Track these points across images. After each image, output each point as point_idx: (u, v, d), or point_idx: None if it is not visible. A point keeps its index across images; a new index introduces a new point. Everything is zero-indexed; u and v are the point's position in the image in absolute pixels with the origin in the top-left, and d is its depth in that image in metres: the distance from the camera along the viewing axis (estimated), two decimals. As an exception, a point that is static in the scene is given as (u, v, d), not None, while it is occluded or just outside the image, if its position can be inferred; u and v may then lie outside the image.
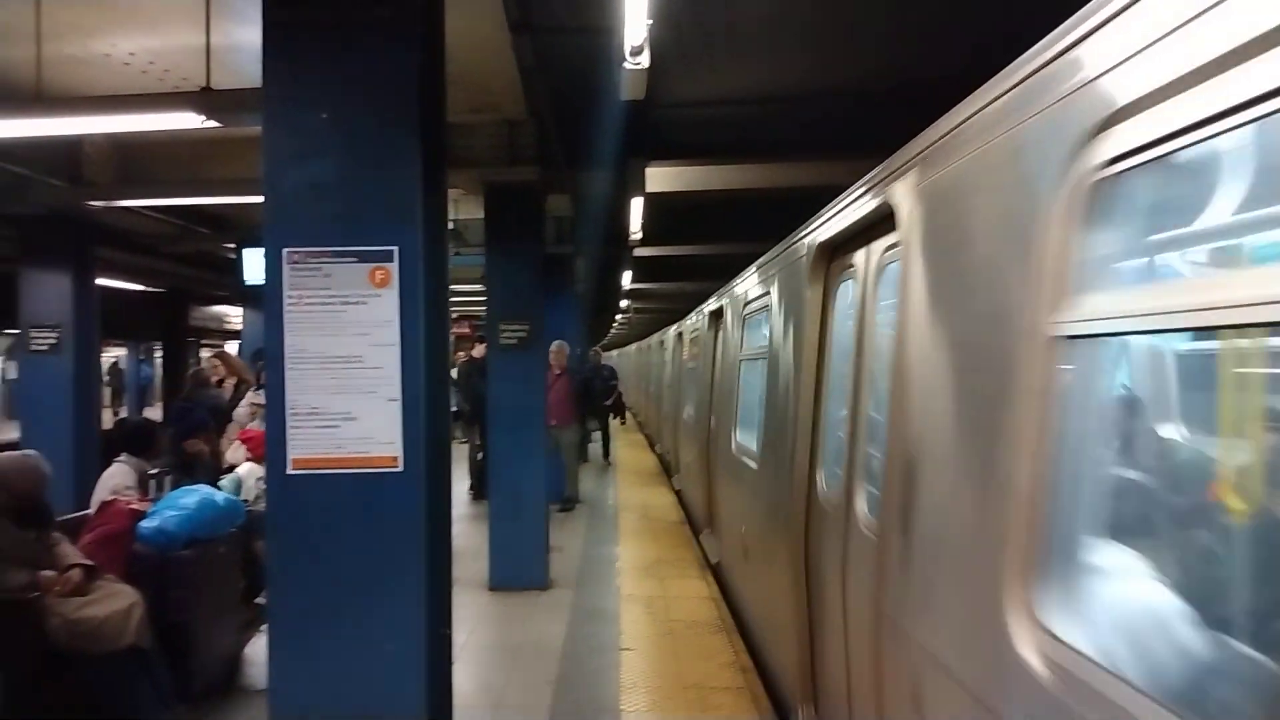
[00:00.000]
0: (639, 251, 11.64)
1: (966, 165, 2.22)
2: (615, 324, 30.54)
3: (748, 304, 6.14)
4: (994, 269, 2.03)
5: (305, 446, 2.90)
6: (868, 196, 3.12)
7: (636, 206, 8.24)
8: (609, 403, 17.02)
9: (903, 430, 2.46)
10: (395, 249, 2.89)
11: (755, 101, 7.32)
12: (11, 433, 10.42)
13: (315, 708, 2.90)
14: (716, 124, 7.61)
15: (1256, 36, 1.24)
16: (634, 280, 14.92)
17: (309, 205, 2.92)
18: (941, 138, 2.41)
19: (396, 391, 2.89)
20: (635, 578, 7.56)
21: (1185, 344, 1.96)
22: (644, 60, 3.81)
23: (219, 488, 5.54)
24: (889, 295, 2.92)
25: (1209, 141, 1.38)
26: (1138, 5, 1.56)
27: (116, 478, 5.13)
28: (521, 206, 7.39)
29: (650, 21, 3.70)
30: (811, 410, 3.87)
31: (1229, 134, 1.34)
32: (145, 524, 4.64)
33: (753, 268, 6.09)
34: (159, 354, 27.57)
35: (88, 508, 5.24)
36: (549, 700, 4.87)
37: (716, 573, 7.23)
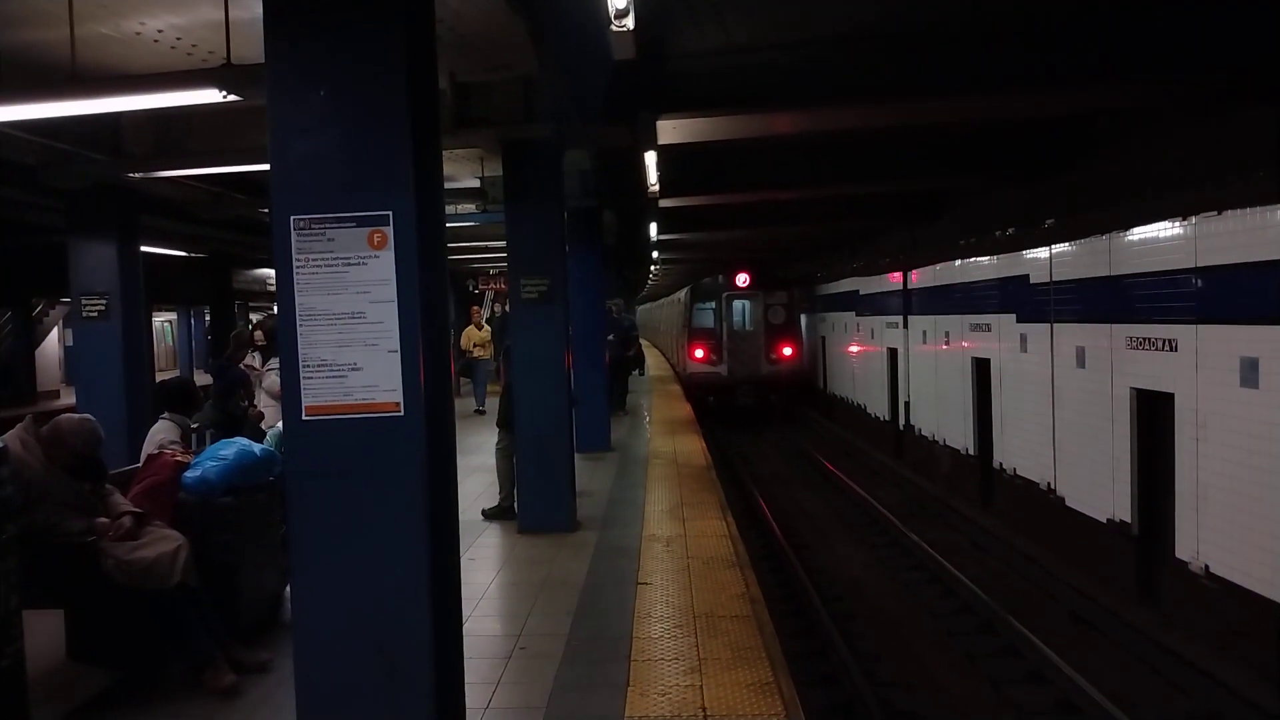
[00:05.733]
0: (664, 203, 11.74)
1: None
2: (651, 275, 30.68)
3: None
4: None
5: (317, 395, 3.19)
6: None
7: (651, 159, 8.38)
8: (631, 354, 17.30)
9: None
10: (390, 213, 3.14)
11: (764, 49, 7.38)
12: (72, 397, 11.00)
13: (333, 631, 3.22)
14: (727, 74, 7.65)
15: None
16: (661, 231, 15.04)
17: (312, 175, 3.17)
18: None
19: (396, 344, 3.16)
20: (658, 519, 7.87)
21: None
22: (629, 23, 3.97)
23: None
24: None
25: None
26: None
27: (161, 433, 5.52)
28: (538, 163, 7.54)
29: (632, -16, 3.86)
30: None
31: None
32: (189, 474, 5.02)
33: None
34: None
35: (139, 462, 5.65)
36: (567, 629, 5.21)
37: None
